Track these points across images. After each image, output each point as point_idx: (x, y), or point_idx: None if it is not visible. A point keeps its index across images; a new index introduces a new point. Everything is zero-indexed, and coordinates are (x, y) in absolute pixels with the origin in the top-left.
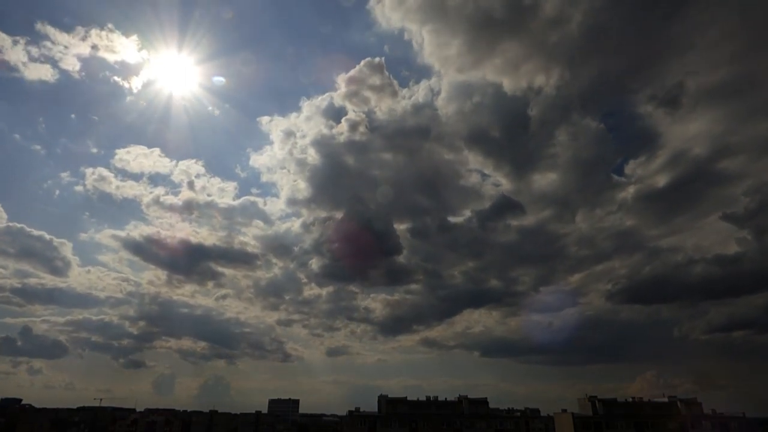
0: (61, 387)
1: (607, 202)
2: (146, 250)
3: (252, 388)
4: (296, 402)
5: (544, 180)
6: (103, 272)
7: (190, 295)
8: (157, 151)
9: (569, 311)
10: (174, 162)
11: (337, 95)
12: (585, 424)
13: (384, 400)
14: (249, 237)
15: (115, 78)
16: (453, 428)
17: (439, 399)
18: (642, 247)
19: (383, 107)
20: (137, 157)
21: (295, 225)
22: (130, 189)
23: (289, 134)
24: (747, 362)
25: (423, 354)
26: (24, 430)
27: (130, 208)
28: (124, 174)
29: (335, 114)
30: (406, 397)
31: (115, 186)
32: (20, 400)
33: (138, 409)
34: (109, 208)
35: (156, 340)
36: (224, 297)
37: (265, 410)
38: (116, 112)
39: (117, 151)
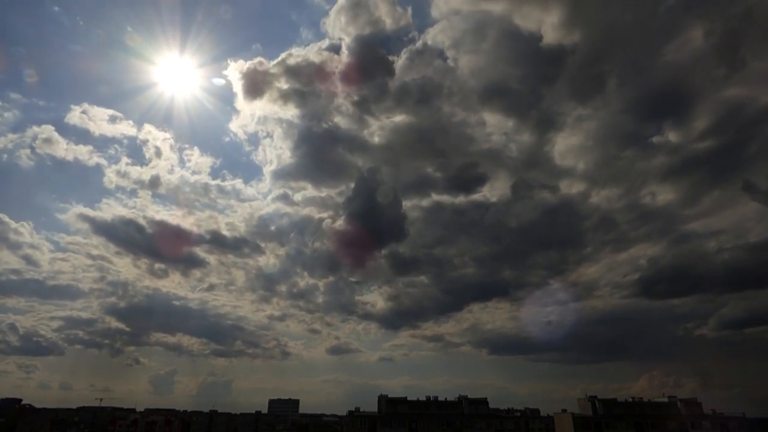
0: (55, 386)
1: (639, 174)
2: (121, 234)
3: (252, 388)
4: (296, 402)
5: (570, 147)
6: (77, 259)
7: (174, 286)
8: (120, 114)
9: (580, 305)
10: (137, 128)
11: (330, 22)
12: (585, 425)
13: (384, 400)
14: (234, 219)
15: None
16: (453, 428)
17: (439, 399)
18: (670, 231)
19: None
20: (95, 117)
21: (284, 205)
22: (90, 157)
23: (269, 85)
24: (758, 361)
25: (427, 351)
26: (24, 430)
27: (94, 181)
28: (82, 137)
29: (331, 47)
30: (406, 397)
31: (70, 152)
32: (20, 400)
33: (138, 409)
34: (69, 181)
35: (147, 336)
36: (211, 288)
37: (265, 410)
38: (66, 57)
39: (72, 107)
